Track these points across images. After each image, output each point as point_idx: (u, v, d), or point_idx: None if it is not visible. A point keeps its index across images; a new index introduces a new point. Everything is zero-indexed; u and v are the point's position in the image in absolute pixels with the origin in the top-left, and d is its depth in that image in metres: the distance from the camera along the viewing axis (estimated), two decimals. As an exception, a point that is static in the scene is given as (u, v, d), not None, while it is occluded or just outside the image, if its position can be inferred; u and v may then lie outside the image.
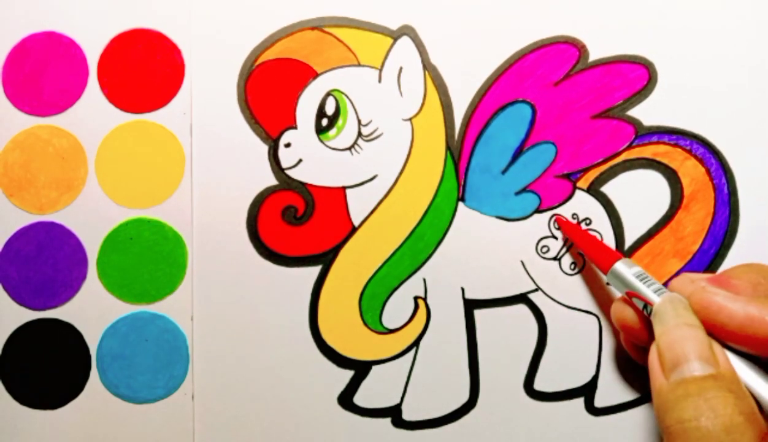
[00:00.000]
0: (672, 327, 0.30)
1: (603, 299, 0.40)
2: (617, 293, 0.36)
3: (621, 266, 0.35)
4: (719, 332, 0.30)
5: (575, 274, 0.40)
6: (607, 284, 0.39)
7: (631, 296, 0.34)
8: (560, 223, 0.39)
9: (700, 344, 0.30)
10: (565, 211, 0.40)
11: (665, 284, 0.34)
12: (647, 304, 0.33)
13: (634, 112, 0.39)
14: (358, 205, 0.40)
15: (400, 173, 0.40)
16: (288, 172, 0.40)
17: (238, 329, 0.40)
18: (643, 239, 0.40)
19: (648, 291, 0.33)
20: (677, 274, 0.39)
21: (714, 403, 0.28)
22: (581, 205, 0.40)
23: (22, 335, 0.41)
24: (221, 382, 0.40)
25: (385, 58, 0.40)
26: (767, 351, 0.30)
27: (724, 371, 0.29)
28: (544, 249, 0.40)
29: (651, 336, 0.33)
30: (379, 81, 0.40)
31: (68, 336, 0.41)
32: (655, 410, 0.30)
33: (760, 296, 0.31)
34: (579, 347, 0.40)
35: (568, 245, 0.40)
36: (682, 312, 0.31)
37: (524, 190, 0.40)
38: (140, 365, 0.40)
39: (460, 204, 0.40)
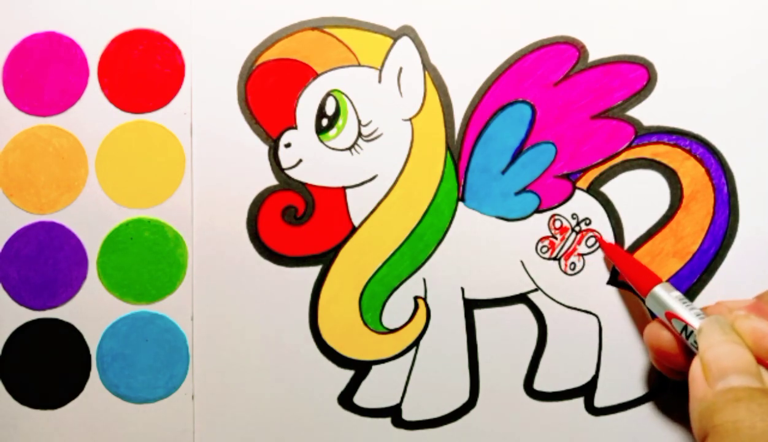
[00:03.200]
0: (718, 342, 0.31)
1: (603, 299, 0.40)
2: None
3: (661, 289, 0.35)
4: (761, 361, 0.31)
5: (575, 274, 0.40)
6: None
7: (670, 318, 0.34)
8: (600, 242, 0.39)
9: (747, 360, 0.30)
10: (565, 211, 0.40)
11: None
12: (687, 326, 0.33)
13: (634, 113, 0.39)
14: (358, 205, 0.40)
15: (400, 173, 0.40)
16: (288, 172, 0.40)
17: (238, 329, 0.40)
18: (642, 239, 0.40)
19: (689, 314, 0.34)
20: (677, 274, 0.39)
21: None
22: (581, 206, 0.40)
23: (22, 335, 0.41)
24: (221, 382, 0.40)
25: (385, 58, 0.40)
26: None
27: None
28: (544, 249, 0.40)
29: (687, 359, 0.33)
30: (379, 81, 0.40)
31: (68, 336, 0.41)
32: (697, 415, 0.30)
33: None
34: (579, 347, 0.40)
35: (568, 245, 0.40)
36: (728, 331, 0.32)
37: (524, 190, 0.40)
38: (140, 365, 0.40)
39: (460, 204, 0.40)
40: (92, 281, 0.41)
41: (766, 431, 0.27)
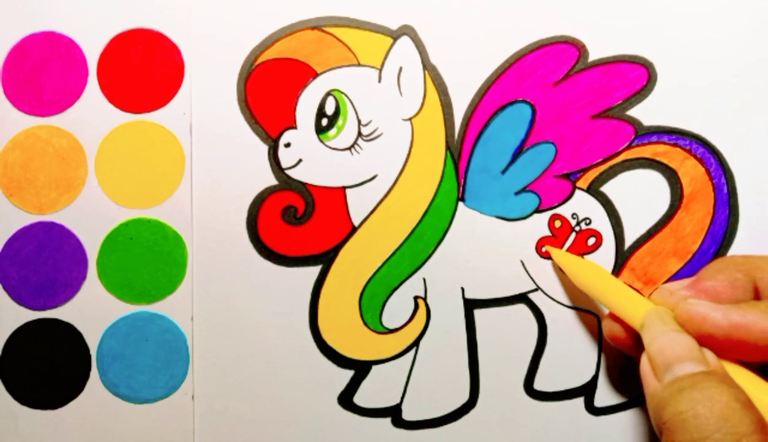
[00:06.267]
0: (660, 334, 0.31)
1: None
2: (605, 309, 0.37)
3: None
4: (706, 342, 0.31)
5: (575, 274, 0.40)
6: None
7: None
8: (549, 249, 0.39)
9: (688, 346, 0.30)
10: (565, 211, 0.40)
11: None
12: None
13: (634, 112, 0.39)
14: (358, 205, 0.40)
15: (400, 173, 0.40)
16: (288, 172, 0.40)
17: (238, 329, 0.40)
18: (642, 238, 0.40)
19: None
20: (677, 274, 0.39)
21: (709, 392, 0.28)
22: (581, 205, 0.40)
23: (22, 335, 0.41)
24: (221, 382, 0.40)
25: (385, 57, 0.40)
26: (756, 356, 0.30)
27: (715, 368, 0.30)
28: (544, 249, 0.40)
29: (641, 348, 0.33)
30: (379, 81, 0.40)
31: (68, 336, 0.41)
32: (651, 413, 0.30)
33: (740, 297, 0.32)
34: (579, 347, 0.40)
35: (569, 245, 0.40)
36: (668, 321, 0.32)
37: (524, 190, 0.40)
38: (140, 365, 0.40)
39: (460, 204, 0.40)
40: (92, 281, 0.41)
41: (709, 416, 0.27)
